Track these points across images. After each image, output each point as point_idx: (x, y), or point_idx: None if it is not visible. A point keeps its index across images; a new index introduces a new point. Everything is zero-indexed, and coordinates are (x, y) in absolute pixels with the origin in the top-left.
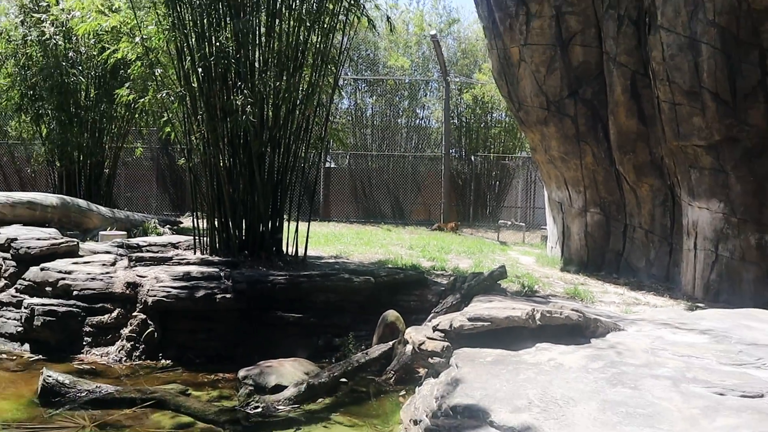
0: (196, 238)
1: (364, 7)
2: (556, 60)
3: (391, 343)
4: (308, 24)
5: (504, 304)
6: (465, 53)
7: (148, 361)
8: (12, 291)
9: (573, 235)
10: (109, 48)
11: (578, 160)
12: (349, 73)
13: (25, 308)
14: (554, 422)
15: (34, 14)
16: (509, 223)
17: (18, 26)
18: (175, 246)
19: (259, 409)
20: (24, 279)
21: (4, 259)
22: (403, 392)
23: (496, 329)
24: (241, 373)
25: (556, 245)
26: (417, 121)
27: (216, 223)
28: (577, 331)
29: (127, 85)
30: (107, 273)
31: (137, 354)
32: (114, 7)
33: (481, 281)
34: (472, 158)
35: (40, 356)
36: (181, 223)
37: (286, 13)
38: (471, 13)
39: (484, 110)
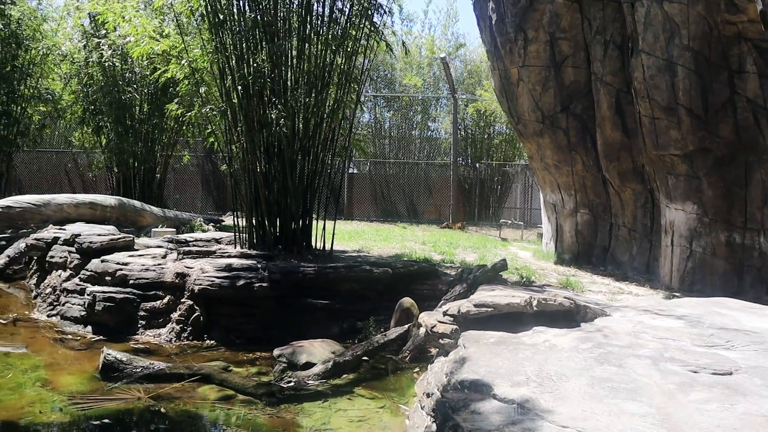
0: (237, 234)
1: (382, 33)
2: (550, 80)
3: (406, 326)
4: (334, 48)
5: (505, 293)
6: (470, 73)
7: (195, 341)
8: (76, 280)
9: (565, 232)
10: (160, 69)
11: (570, 167)
12: (369, 91)
13: (87, 295)
14: (549, 395)
15: (94, 39)
16: (510, 222)
17: (81, 50)
18: (218, 241)
19: (292, 384)
20: (87, 270)
21: (70, 252)
22: (417, 369)
23: (498, 314)
24: (276, 352)
25: (551, 241)
26: (428, 133)
27: (254, 221)
28: (569, 316)
29: (175, 101)
30: (159, 264)
31: (185, 335)
32: (164, 33)
33: (485, 272)
34: (477, 165)
35: (101, 337)
36: (223, 221)
37: (315, 39)
38: (476, 39)
39: (486, 123)
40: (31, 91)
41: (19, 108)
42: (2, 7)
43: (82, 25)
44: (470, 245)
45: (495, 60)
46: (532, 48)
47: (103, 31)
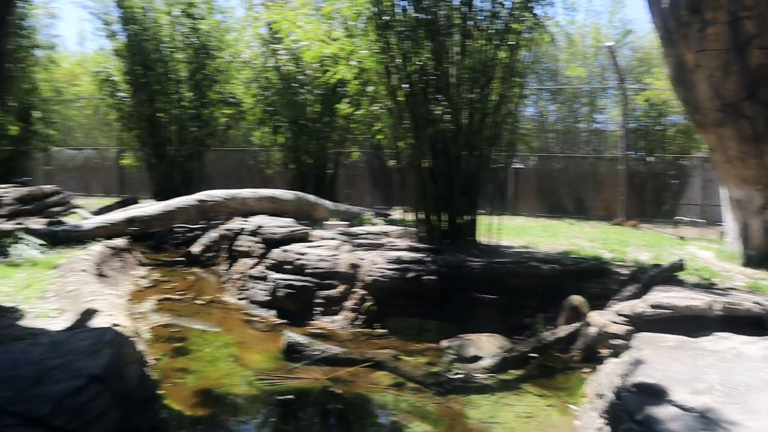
0: (404, 228)
1: (545, 25)
2: (732, 64)
3: (576, 324)
4: (496, 42)
5: (683, 294)
6: (639, 61)
7: (366, 329)
8: (260, 267)
9: (753, 231)
10: (329, 70)
11: (757, 159)
12: (533, 84)
13: (270, 281)
14: (736, 407)
15: (271, 45)
16: (687, 219)
17: (259, 56)
18: (387, 234)
19: (460, 375)
20: (269, 258)
21: (254, 242)
22: (586, 369)
23: (675, 317)
24: (444, 343)
25: (736, 241)
26: (595, 125)
27: (421, 215)
28: (759, 323)
29: (345, 100)
30: (333, 255)
31: (357, 323)
32: (333, 37)
33: (660, 272)
34: (649, 159)
35: (283, 321)
36: (390, 215)
37: (477, 34)
38: (645, 24)
39: (659, 113)
40: (218, 95)
41: (208, 112)
42: (194, 22)
43: (260, 33)
44: (643, 243)
45: (667, 46)
46: (711, 30)
47: (279, 37)
